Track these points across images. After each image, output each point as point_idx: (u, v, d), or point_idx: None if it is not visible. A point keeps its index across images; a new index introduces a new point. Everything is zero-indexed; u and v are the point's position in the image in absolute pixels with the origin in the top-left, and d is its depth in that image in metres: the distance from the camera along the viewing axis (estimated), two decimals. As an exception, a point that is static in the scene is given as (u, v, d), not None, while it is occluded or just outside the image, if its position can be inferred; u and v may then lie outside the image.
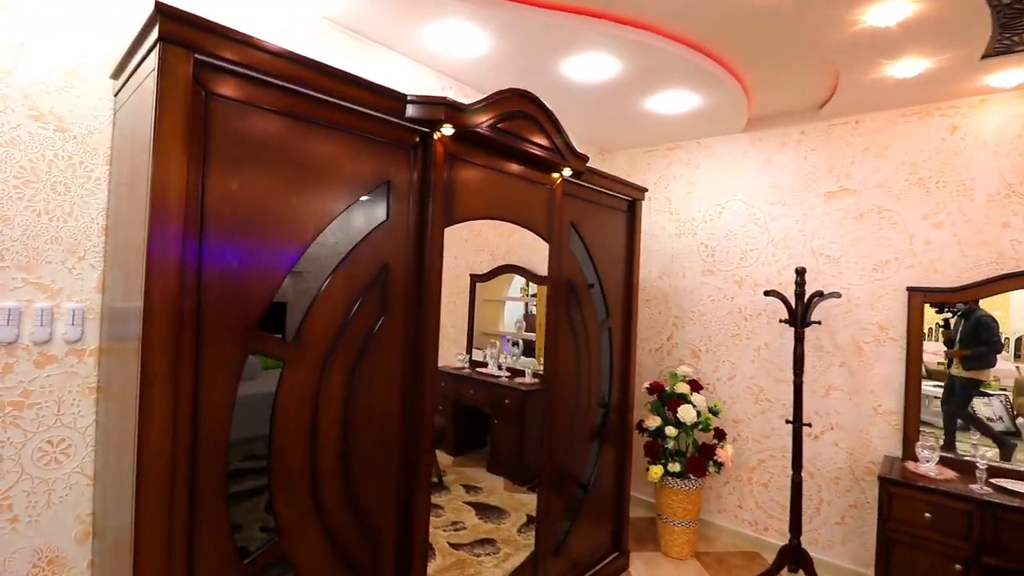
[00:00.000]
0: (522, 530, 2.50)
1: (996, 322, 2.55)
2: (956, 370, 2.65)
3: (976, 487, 2.29)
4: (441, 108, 1.66)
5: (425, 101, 1.65)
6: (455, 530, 2.38)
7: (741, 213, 3.32)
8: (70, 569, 1.57)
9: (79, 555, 1.59)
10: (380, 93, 1.57)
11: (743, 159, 3.33)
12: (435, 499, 2.32)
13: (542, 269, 2.53)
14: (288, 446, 1.46)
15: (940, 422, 2.70)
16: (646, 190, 2.90)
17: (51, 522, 1.53)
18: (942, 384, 2.71)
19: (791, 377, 3.04)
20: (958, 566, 2.25)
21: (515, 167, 2.06)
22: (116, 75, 1.55)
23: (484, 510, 2.56)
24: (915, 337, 2.70)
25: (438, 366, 1.82)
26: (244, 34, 1.28)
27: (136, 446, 1.17)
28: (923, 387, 2.69)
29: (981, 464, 2.32)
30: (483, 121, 1.81)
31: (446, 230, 1.79)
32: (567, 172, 2.27)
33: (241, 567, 1.37)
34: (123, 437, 1.33)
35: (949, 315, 2.68)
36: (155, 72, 1.17)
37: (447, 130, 1.73)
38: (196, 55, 1.21)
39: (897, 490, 2.41)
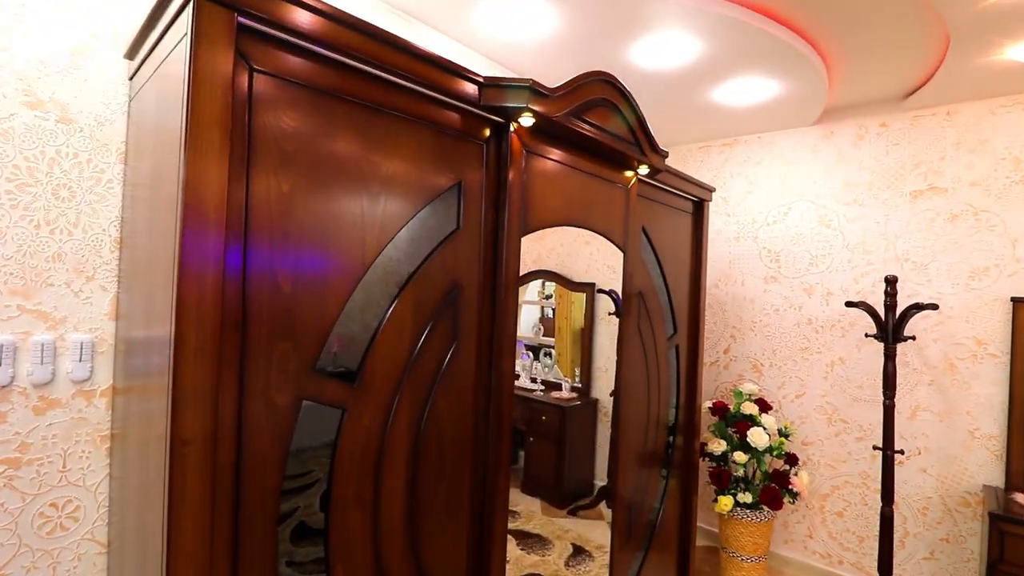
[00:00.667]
0: (570, 563, 2.22)
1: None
2: None
3: (1111, 528, 2.00)
4: (524, 91, 1.36)
5: (506, 84, 1.35)
6: None
7: (810, 214, 3.02)
8: (78, 655, 1.29)
9: (90, 638, 1.31)
10: (456, 74, 1.27)
11: (812, 155, 3.03)
12: None
13: (578, 275, 2.26)
14: (348, 510, 1.17)
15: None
16: (713, 189, 2.60)
17: (55, 601, 1.25)
18: None
19: (871, 396, 2.75)
20: (1091, 619, 1.96)
21: (592, 164, 1.77)
22: (131, 55, 1.26)
23: (524, 539, 2.28)
24: (1021, 352, 2.40)
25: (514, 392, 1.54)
26: (298, -5, 0.99)
27: (165, 532, 0.88)
28: None
29: (1116, 502, 2.03)
30: (566, 110, 1.51)
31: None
32: (643, 170, 1.97)
33: (294, 671, 1.09)
34: (144, 495, 1.05)
35: None
36: (187, 38, 0.88)
37: (526, 120, 1.43)
38: (240, 17, 0.92)
39: (1011, 528, 2.12)
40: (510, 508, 2.37)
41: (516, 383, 2.43)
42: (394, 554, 1.26)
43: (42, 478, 1.22)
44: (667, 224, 2.36)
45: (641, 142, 1.85)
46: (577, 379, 2.56)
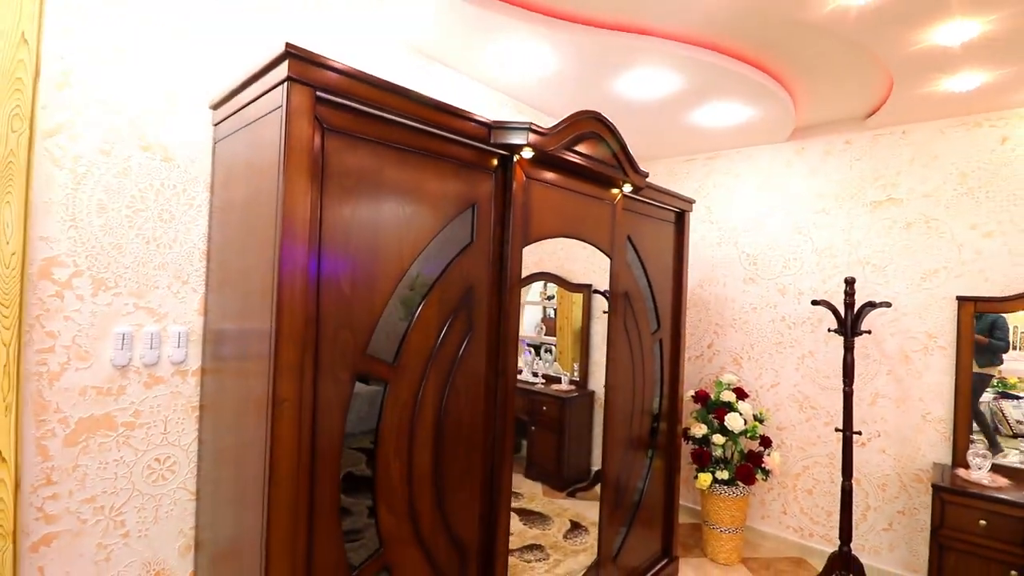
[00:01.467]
0: (568, 536, 2.55)
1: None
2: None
3: (1033, 495, 2.32)
4: (525, 132, 1.70)
5: (510, 127, 1.69)
6: None
7: (784, 223, 3.35)
8: (174, 581, 1.64)
9: (181, 567, 1.65)
10: (472, 120, 1.62)
11: (786, 168, 3.36)
12: None
13: (575, 277, 2.58)
14: (390, 462, 1.51)
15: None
16: (693, 201, 2.94)
17: (158, 536, 1.60)
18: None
19: (837, 385, 3.07)
20: (1014, 572, 2.28)
21: (583, 185, 2.11)
22: (217, 107, 1.60)
23: (527, 516, 2.61)
24: (966, 345, 2.72)
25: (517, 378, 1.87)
26: (357, 70, 1.33)
27: (267, 467, 1.22)
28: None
29: (1037, 473, 2.35)
30: (560, 143, 1.86)
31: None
32: (627, 188, 2.31)
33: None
34: (239, 452, 1.39)
35: None
36: (282, 110, 1.22)
37: (527, 153, 1.78)
38: (317, 92, 1.27)
39: (951, 497, 2.44)
40: (514, 491, 2.70)
41: (519, 377, 2.77)
42: (423, 500, 1.61)
43: (149, 438, 1.57)
44: (651, 232, 2.70)
45: (624, 165, 2.19)
46: (575, 373, 2.88)
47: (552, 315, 2.97)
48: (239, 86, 1.43)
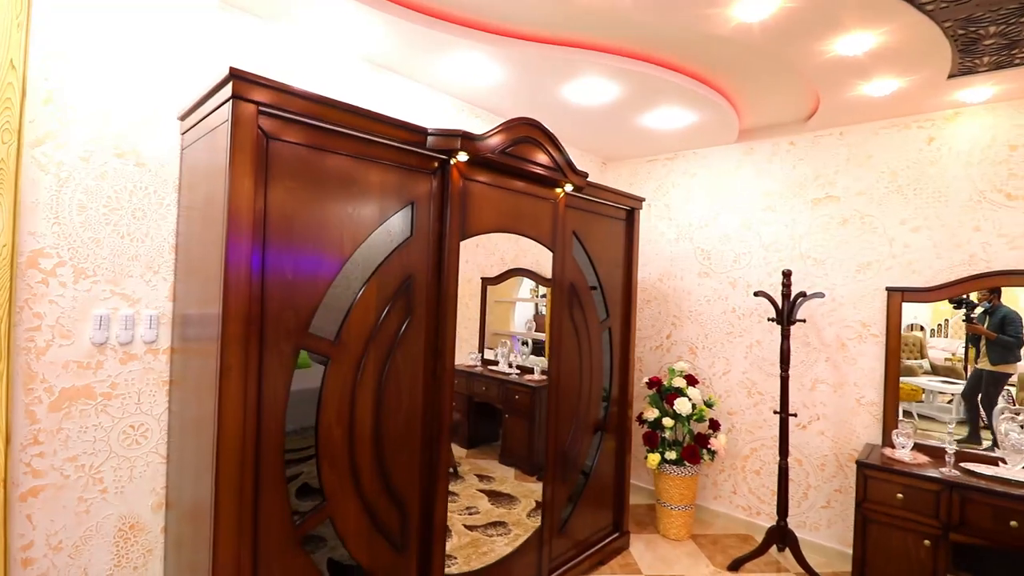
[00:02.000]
0: (531, 514, 2.76)
1: (1020, 317, 2.61)
2: (983, 364, 2.71)
3: (945, 470, 2.51)
4: (457, 139, 1.92)
5: (443, 133, 1.91)
6: (469, 514, 2.63)
7: (735, 219, 3.55)
8: (147, 533, 1.87)
9: (154, 521, 1.89)
10: (405, 128, 1.84)
11: (736, 168, 3.56)
12: (451, 487, 2.58)
13: (549, 272, 2.78)
14: (332, 425, 1.73)
15: (939, 415, 2.86)
16: (643, 199, 3.15)
17: (132, 493, 1.83)
18: (950, 380, 2.84)
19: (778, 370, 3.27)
20: (927, 542, 2.47)
21: (522, 185, 2.32)
22: (184, 117, 1.83)
23: (496, 497, 2.82)
24: (894, 333, 2.91)
25: (455, 362, 2.09)
26: (297, 88, 1.55)
27: (216, 427, 1.45)
28: (928, 383, 2.87)
29: (950, 449, 2.54)
30: (493, 147, 2.07)
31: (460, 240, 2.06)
32: (569, 187, 2.52)
33: (293, 527, 1.65)
34: (198, 422, 1.62)
35: (966, 311, 2.77)
36: (228, 123, 1.45)
37: (462, 156, 1.99)
38: (260, 107, 1.49)
39: (872, 473, 2.64)
40: (487, 475, 2.89)
41: (495, 368, 2.97)
42: (364, 461, 1.83)
43: (124, 407, 1.80)
44: (599, 228, 2.91)
45: (562, 167, 2.40)
46: (548, 363, 3.08)
47: (543, 311, 3.16)
48: (199, 100, 1.66)
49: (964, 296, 2.77)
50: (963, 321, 2.79)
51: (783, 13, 1.93)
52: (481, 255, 2.59)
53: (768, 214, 3.41)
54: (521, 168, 2.22)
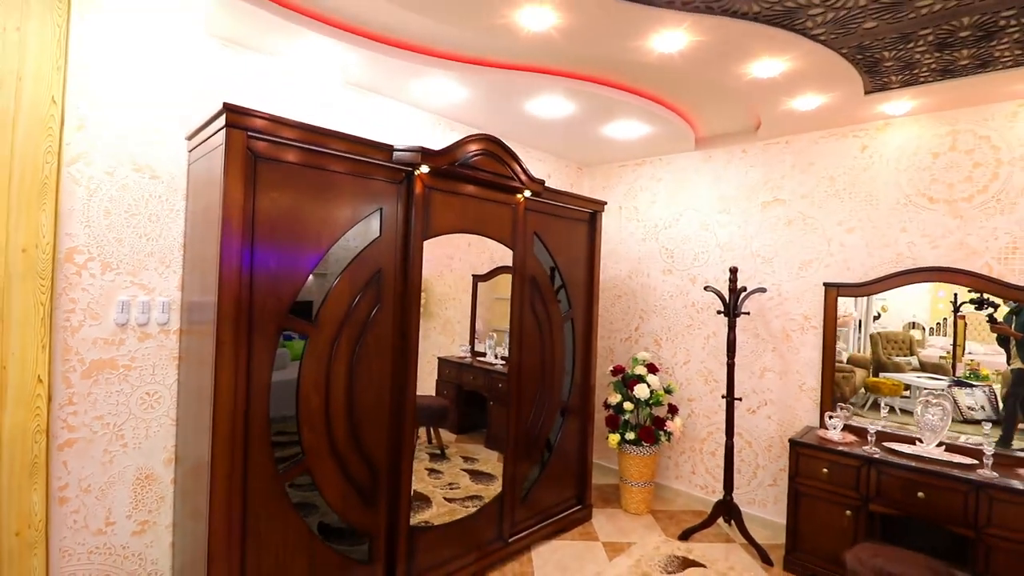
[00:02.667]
0: None
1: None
2: (1015, 363, 2.68)
3: (866, 448, 2.80)
4: (418, 154, 2.27)
5: (406, 149, 2.26)
6: (450, 489, 2.97)
7: (694, 221, 3.85)
8: (160, 483, 2.25)
9: (165, 474, 2.26)
10: (373, 146, 2.19)
11: (696, 174, 3.86)
12: (436, 466, 2.93)
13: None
14: (310, 395, 2.09)
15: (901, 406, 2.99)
16: (605, 203, 3.47)
17: (148, 449, 2.21)
18: (936, 376, 2.92)
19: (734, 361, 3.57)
20: (848, 512, 2.76)
21: (482, 191, 2.67)
22: (190, 138, 2.21)
23: (477, 476, 3.15)
24: (830, 325, 3.20)
25: (443, 355, 2.44)
26: (279, 117, 1.91)
27: (212, 392, 1.81)
28: (914, 379, 2.98)
29: (871, 429, 2.83)
30: (451, 160, 2.42)
31: (446, 239, 2.48)
32: (527, 193, 2.86)
33: (277, 474, 2.01)
34: (200, 390, 1.99)
35: (992, 311, 2.75)
36: (223, 146, 1.81)
37: (424, 168, 2.34)
38: (248, 133, 1.85)
39: (802, 450, 2.93)
40: (472, 456, 3.21)
41: (484, 360, 3.30)
42: (339, 424, 2.18)
43: (142, 377, 2.17)
44: (561, 230, 3.23)
45: (519, 176, 2.74)
46: (508, 350, 3.40)
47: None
48: (201, 126, 2.03)
49: (983, 297, 2.76)
50: (987, 322, 2.75)
51: (696, 44, 2.24)
52: (473, 254, 2.91)
53: (724, 216, 3.71)
54: (478, 177, 2.56)
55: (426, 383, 3.02)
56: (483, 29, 2.17)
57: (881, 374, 3.11)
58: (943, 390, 2.86)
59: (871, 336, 3.15)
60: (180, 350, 2.26)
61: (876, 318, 3.15)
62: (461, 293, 3.06)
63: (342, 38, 2.32)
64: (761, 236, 3.53)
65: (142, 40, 2.15)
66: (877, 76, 2.54)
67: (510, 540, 2.94)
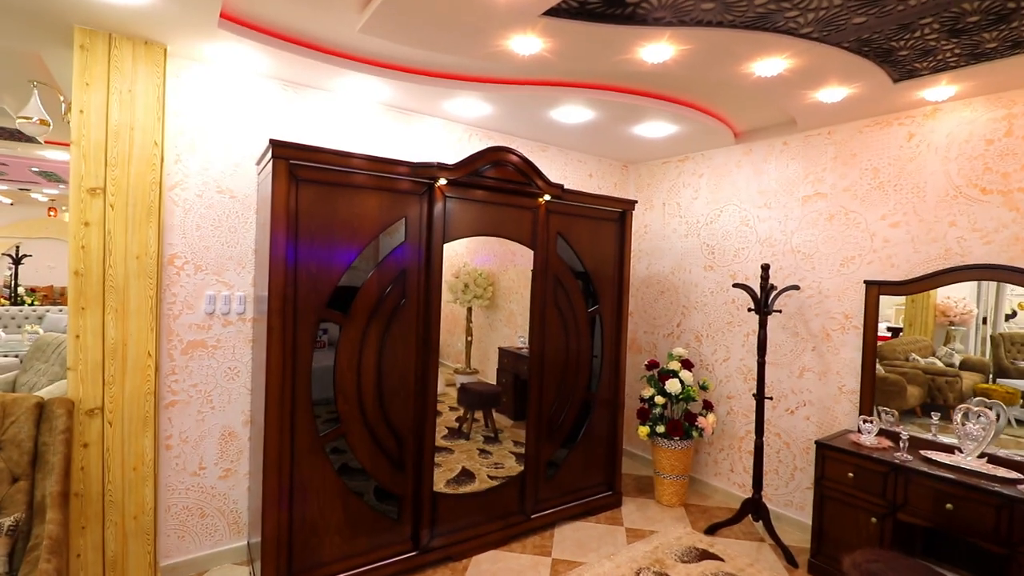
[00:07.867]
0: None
1: None
2: None
3: (897, 454, 2.68)
4: (434, 169, 2.62)
5: (424, 165, 2.62)
6: (496, 468, 3.31)
7: (735, 216, 3.81)
8: (238, 440, 2.82)
9: (243, 432, 2.84)
10: (395, 164, 2.57)
11: (736, 169, 3.81)
12: (488, 447, 3.27)
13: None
14: (344, 373, 2.53)
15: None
16: (635, 202, 3.58)
17: (230, 412, 2.79)
18: None
19: (773, 359, 3.53)
20: (874, 519, 2.67)
21: (498, 197, 2.95)
22: (257, 163, 2.74)
23: (523, 459, 3.46)
24: (871, 325, 3.05)
25: (504, 345, 2.78)
26: (313, 146, 2.35)
27: (265, 368, 2.30)
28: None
29: (904, 435, 2.70)
30: (465, 172, 2.73)
31: (484, 242, 2.79)
32: (547, 197, 3.09)
33: (318, 437, 2.47)
34: (262, 366, 2.50)
35: None
36: (270, 171, 2.28)
37: (442, 181, 2.68)
38: (291, 162, 2.31)
39: (829, 453, 2.86)
40: (522, 440, 3.52)
41: (516, 346, 3.60)
42: (369, 398, 2.60)
43: (225, 355, 2.76)
44: (587, 229, 3.41)
45: (535, 181, 2.98)
46: (529, 340, 3.63)
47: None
48: (261, 155, 2.54)
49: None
50: None
51: (685, 52, 2.33)
52: (529, 252, 3.18)
53: (764, 211, 3.63)
54: (492, 185, 2.85)
55: (489, 371, 3.36)
56: (485, 57, 2.44)
57: (998, 380, 2.79)
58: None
59: (992, 337, 2.82)
60: (253, 334, 2.82)
61: (1010, 316, 2.80)
62: (522, 287, 3.34)
63: (378, 74, 2.73)
64: (801, 231, 3.43)
65: (219, 86, 2.71)
66: (898, 65, 2.43)
67: (532, 515, 3.21)
